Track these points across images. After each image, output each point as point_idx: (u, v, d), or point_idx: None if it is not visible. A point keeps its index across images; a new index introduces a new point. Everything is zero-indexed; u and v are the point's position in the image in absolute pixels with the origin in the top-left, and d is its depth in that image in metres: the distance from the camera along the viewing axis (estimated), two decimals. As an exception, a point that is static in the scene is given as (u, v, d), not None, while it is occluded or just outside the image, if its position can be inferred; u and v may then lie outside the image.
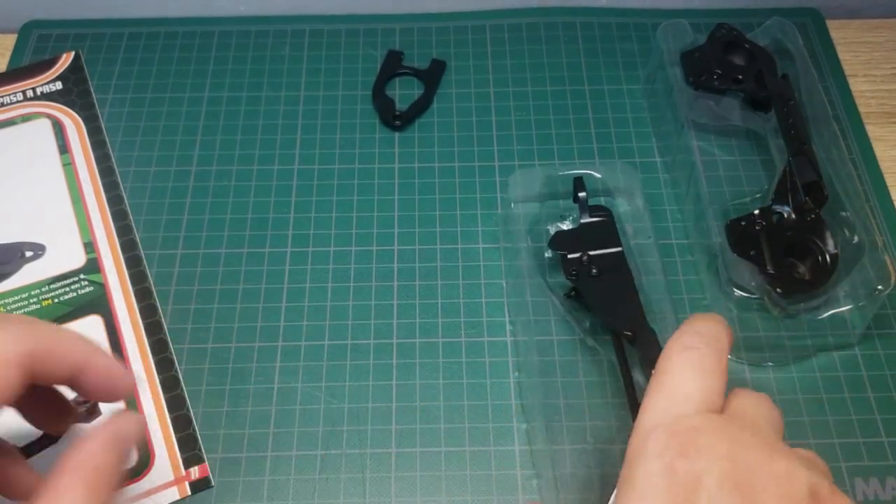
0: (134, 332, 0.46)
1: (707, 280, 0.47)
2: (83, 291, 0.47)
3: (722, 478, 0.28)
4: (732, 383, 0.44)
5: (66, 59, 0.58)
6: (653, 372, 0.33)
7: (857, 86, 0.57)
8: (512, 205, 0.49)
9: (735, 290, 0.45)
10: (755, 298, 0.45)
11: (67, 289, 0.48)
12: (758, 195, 0.50)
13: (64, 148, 0.53)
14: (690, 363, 0.32)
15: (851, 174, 0.48)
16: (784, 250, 0.45)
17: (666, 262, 0.49)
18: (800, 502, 0.28)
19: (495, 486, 0.42)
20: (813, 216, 0.46)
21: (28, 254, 0.49)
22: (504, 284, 0.48)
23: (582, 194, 0.47)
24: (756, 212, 0.47)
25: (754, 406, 0.32)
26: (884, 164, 0.53)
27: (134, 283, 0.48)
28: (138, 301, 0.47)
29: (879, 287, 0.44)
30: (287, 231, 0.50)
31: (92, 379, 0.31)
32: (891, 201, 0.51)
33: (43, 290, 0.47)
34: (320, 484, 0.42)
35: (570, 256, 0.45)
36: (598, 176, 0.49)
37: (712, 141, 0.53)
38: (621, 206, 0.49)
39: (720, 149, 0.53)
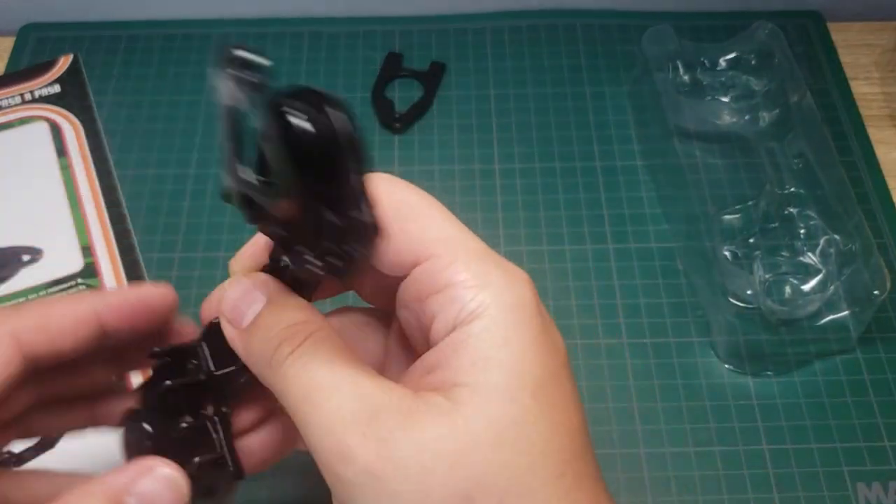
0: (132, 336, 0.46)
1: (700, 284, 0.47)
2: (81, 295, 0.47)
3: None
4: (734, 389, 0.44)
5: (64, 62, 0.57)
6: None
7: (858, 88, 0.57)
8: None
9: (731, 299, 0.44)
10: (751, 308, 0.44)
11: (65, 293, 0.47)
12: (750, 202, 0.50)
13: (61, 151, 0.53)
14: None
15: (843, 178, 0.48)
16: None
17: (646, 265, 0.49)
18: None
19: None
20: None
21: (25, 258, 0.48)
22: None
23: None
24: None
25: None
26: (885, 167, 0.53)
27: (132, 287, 0.48)
28: (136, 305, 0.47)
29: (876, 292, 0.43)
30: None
31: (115, 324, 0.29)
32: (892, 204, 0.51)
33: (40, 294, 0.47)
34: (320, 489, 0.42)
35: None
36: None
37: (703, 146, 0.53)
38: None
39: (711, 154, 0.53)
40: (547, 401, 0.25)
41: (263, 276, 0.28)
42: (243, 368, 0.28)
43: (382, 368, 0.31)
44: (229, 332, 0.28)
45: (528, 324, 0.26)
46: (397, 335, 0.31)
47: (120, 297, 0.30)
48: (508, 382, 0.25)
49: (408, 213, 0.27)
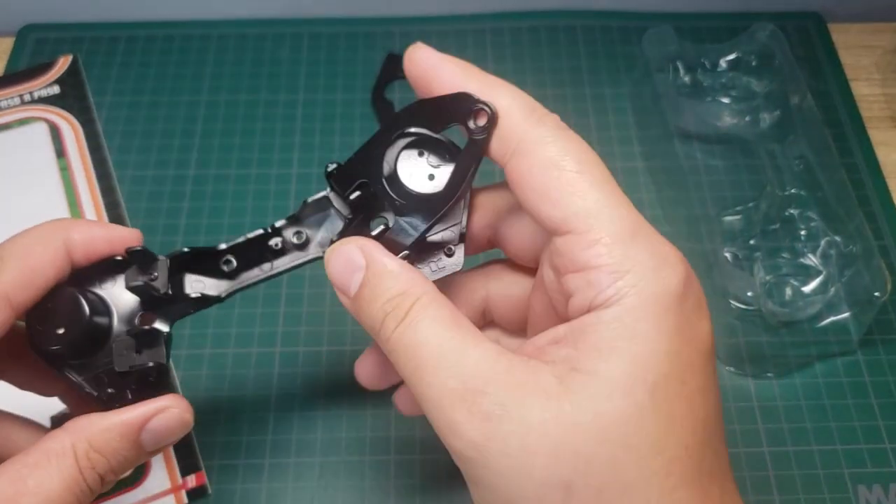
0: (131, 337, 0.46)
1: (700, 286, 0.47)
2: (80, 297, 0.47)
3: None
4: (736, 391, 0.44)
5: (63, 63, 0.57)
6: None
7: (859, 90, 0.56)
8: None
9: (732, 301, 0.44)
10: (752, 310, 0.44)
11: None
12: (751, 204, 0.50)
13: (61, 152, 0.53)
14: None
15: (844, 180, 0.48)
16: None
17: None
18: None
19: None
20: None
21: (24, 259, 0.48)
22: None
23: None
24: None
25: None
26: (886, 169, 0.53)
27: (131, 289, 0.47)
28: (135, 306, 0.47)
29: (876, 294, 0.43)
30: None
31: (81, 262, 0.31)
32: (893, 206, 0.51)
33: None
34: (318, 491, 0.42)
35: None
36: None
37: (704, 148, 0.53)
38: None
39: (711, 155, 0.52)
40: (667, 396, 0.25)
41: (361, 241, 0.29)
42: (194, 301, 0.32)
43: (525, 311, 0.32)
44: (342, 299, 0.29)
45: (663, 315, 0.25)
46: (540, 286, 0.31)
47: (87, 234, 0.31)
48: (627, 376, 0.24)
49: (553, 178, 0.27)
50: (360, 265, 0.28)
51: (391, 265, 0.28)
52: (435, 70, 0.29)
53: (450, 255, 0.31)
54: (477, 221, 0.32)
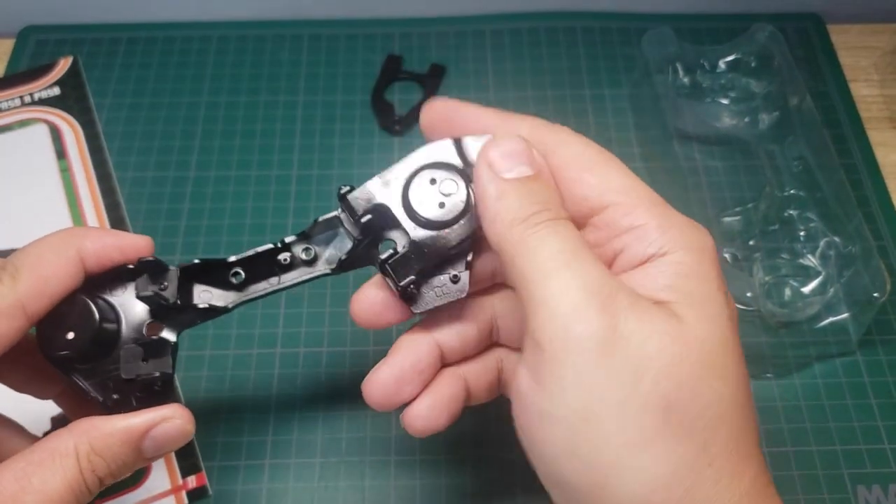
0: (131, 338, 0.46)
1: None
2: (80, 298, 0.47)
3: None
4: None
5: (63, 65, 0.57)
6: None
7: (858, 90, 0.57)
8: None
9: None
10: (751, 310, 0.44)
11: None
12: (750, 205, 0.50)
13: (61, 153, 0.53)
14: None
15: (843, 181, 0.48)
16: None
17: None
18: None
19: (496, 496, 0.42)
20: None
21: (24, 260, 0.48)
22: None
23: None
24: None
25: None
26: (885, 170, 0.53)
27: (131, 290, 0.48)
28: (136, 307, 0.47)
29: (875, 294, 0.43)
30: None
31: (93, 270, 0.31)
32: (892, 207, 0.51)
33: (40, 296, 0.47)
34: (319, 492, 0.42)
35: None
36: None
37: (703, 149, 0.53)
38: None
39: (711, 156, 0.53)
40: (735, 335, 0.27)
41: (536, 152, 0.29)
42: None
43: None
44: (487, 176, 0.29)
45: (713, 265, 0.28)
46: None
47: (99, 243, 0.31)
48: (710, 308, 0.26)
49: (585, 165, 0.30)
50: (530, 163, 0.29)
51: (554, 183, 0.29)
52: (456, 110, 0.31)
53: (455, 282, 0.31)
54: (480, 264, 0.32)
